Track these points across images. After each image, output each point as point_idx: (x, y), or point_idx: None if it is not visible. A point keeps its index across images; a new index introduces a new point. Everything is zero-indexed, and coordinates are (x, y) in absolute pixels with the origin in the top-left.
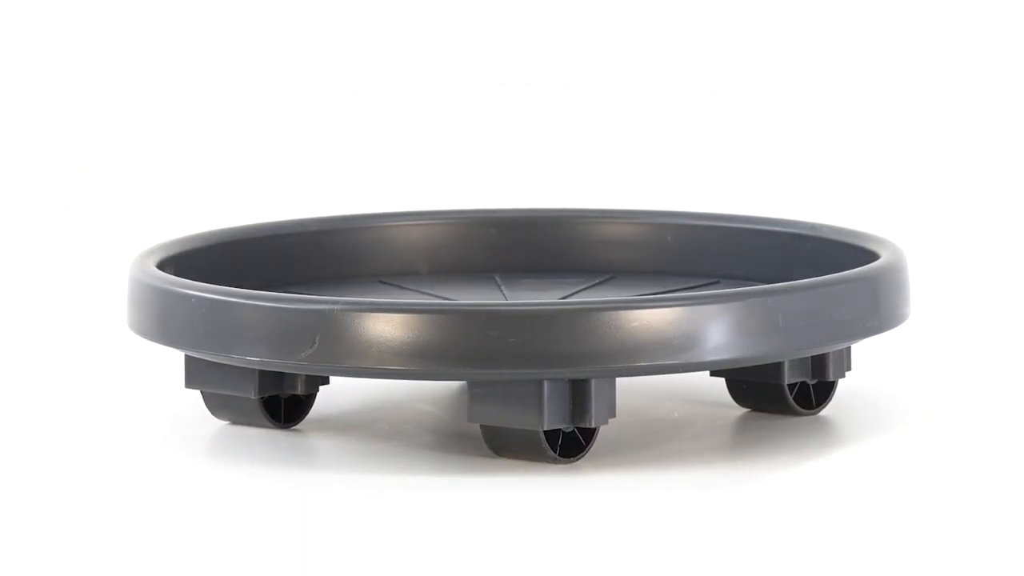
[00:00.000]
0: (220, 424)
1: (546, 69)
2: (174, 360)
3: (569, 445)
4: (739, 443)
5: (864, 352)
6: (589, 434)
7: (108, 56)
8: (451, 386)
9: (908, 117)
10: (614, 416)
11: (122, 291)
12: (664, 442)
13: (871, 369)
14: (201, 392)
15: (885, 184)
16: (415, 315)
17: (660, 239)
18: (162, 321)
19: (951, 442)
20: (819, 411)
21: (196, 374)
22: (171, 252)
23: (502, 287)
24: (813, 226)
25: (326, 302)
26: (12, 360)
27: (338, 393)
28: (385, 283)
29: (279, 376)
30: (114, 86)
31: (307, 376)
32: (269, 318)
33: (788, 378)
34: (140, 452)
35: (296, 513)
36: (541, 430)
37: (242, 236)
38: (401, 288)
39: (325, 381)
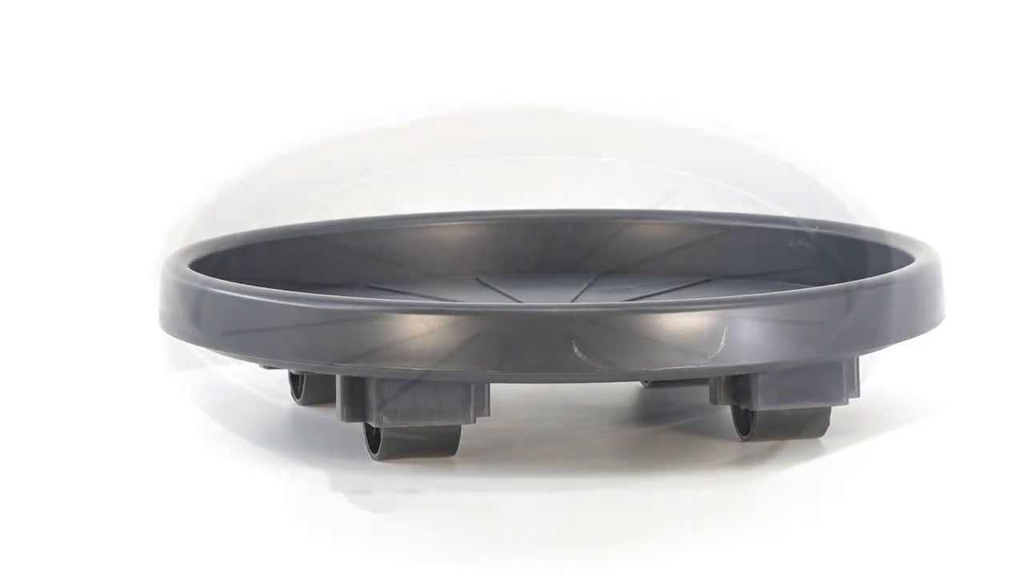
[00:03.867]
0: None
1: (546, 69)
2: (173, 359)
3: None
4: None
5: (896, 355)
6: None
7: (109, 56)
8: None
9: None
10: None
11: (122, 291)
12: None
13: (901, 372)
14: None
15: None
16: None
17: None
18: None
19: (974, 444)
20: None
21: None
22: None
23: (499, 290)
24: (814, 223)
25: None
26: (12, 360)
27: None
28: (375, 287)
29: None
30: (115, 86)
31: None
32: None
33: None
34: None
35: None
36: None
37: (235, 244)
38: (394, 292)
39: None
